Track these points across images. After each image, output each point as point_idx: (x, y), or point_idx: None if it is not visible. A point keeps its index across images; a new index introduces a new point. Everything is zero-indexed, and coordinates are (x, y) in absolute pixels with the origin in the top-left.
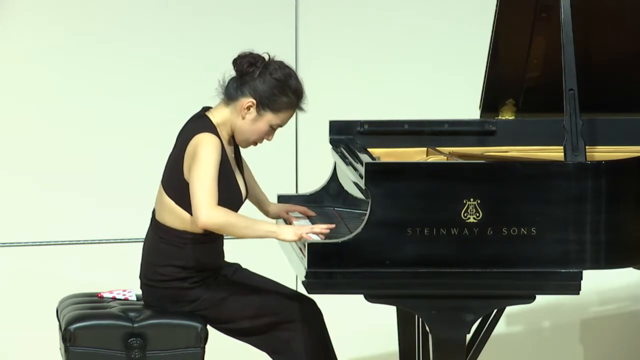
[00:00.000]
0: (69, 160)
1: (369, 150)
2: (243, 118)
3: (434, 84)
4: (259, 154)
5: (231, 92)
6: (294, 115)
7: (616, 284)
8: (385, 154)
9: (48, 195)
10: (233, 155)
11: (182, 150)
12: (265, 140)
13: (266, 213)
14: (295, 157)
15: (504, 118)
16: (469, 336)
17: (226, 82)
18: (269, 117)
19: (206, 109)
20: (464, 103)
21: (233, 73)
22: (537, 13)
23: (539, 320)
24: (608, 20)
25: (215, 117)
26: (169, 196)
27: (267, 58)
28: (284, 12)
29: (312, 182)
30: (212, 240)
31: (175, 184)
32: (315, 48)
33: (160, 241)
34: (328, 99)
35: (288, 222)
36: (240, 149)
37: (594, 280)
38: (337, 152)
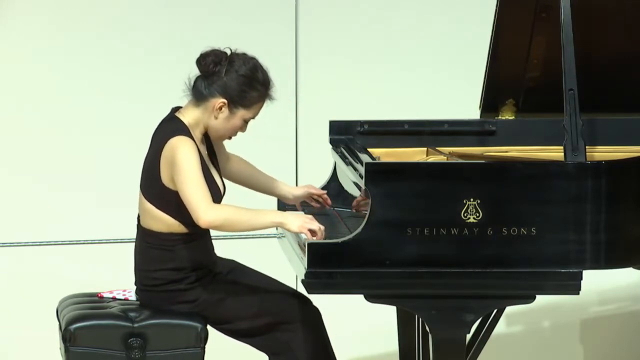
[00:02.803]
0: (69, 160)
1: (369, 150)
2: (216, 118)
3: (434, 84)
4: (259, 153)
5: (200, 93)
6: (295, 115)
7: (616, 284)
8: (385, 154)
9: (48, 195)
10: (207, 153)
11: (157, 156)
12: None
13: (285, 195)
14: (295, 157)
15: (504, 118)
16: (469, 336)
17: (192, 81)
18: (242, 113)
19: (176, 109)
20: (464, 103)
21: (197, 73)
22: (537, 13)
23: (539, 320)
24: (608, 20)
25: (186, 118)
26: (150, 202)
27: (229, 53)
28: (284, 12)
29: (312, 182)
30: (199, 237)
31: (155, 190)
32: (315, 48)
33: (149, 247)
34: (328, 99)
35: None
36: (214, 145)
37: (594, 280)
38: (337, 152)
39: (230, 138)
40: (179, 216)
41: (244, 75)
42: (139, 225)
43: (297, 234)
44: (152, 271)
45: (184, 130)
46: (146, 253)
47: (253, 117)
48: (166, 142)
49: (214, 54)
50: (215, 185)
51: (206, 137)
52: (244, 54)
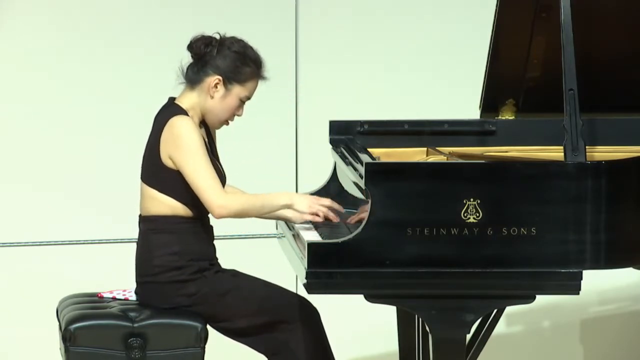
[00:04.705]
0: (69, 160)
1: (369, 150)
2: (212, 97)
3: (434, 84)
4: (259, 154)
5: (194, 76)
6: (295, 115)
7: (616, 284)
8: (385, 154)
9: (48, 195)
10: (207, 140)
11: (157, 137)
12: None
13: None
14: (295, 157)
15: (504, 118)
16: (469, 336)
17: (184, 69)
18: (238, 90)
19: (172, 99)
20: (464, 103)
21: (189, 60)
22: (537, 13)
23: (539, 320)
24: (608, 20)
25: (183, 103)
26: (152, 186)
27: (218, 37)
28: (284, 12)
29: (312, 182)
30: (202, 224)
31: (155, 172)
32: (315, 48)
33: (151, 233)
34: (328, 99)
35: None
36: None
37: (594, 280)
38: (337, 152)
39: (227, 123)
40: (181, 197)
41: (236, 52)
42: (140, 218)
43: (297, 234)
44: (154, 258)
45: (183, 113)
46: (148, 241)
47: (249, 97)
48: (166, 122)
49: (204, 38)
50: (220, 172)
51: (205, 129)
52: (234, 36)
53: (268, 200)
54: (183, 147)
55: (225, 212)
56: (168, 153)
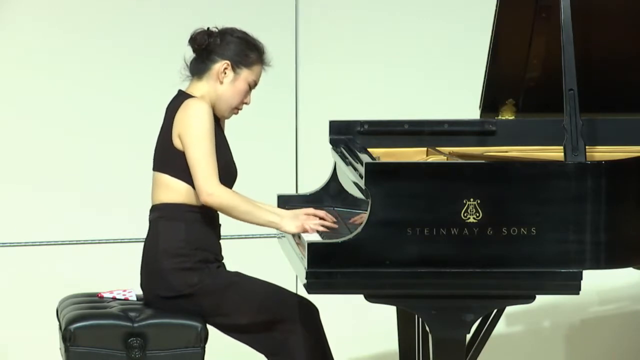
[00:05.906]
0: (69, 160)
1: (369, 150)
2: (221, 83)
3: (434, 84)
4: (259, 154)
5: (201, 67)
6: (295, 115)
7: (616, 284)
8: (385, 154)
9: (48, 195)
10: (219, 131)
11: (171, 120)
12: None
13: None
14: (295, 157)
15: (504, 118)
16: (469, 336)
17: (188, 64)
18: (246, 74)
19: (182, 91)
20: (464, 103)
21: (191, 55)
22: (537, 13)
23: (539, 320)
24: (608, 20)
25: (195, 93)
26: (162, 172)
27: (217, 29)
28: (284, 12)
29: (312, 182)
30: (209, 217)
31: (166, 156)
32: (315, 48)
33: (160, 220)
34: (328, 99)
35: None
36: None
37: (594, 280)
38: (337, 152)
39: (237, 111)
40: (190, 180)
41: (239, 37)
42: (150, 209)
43: (297, 234)
44: (160, 243)
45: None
46: (157, 227)
47: (256, 81)
48: (181, 104)
49: (204, 30)
50: (233, 165)
51: (215, 121)
52: (232, 26)
53: (256, 210)
54: (192, 128)
55: (211, 201)
56: (178, 132)
